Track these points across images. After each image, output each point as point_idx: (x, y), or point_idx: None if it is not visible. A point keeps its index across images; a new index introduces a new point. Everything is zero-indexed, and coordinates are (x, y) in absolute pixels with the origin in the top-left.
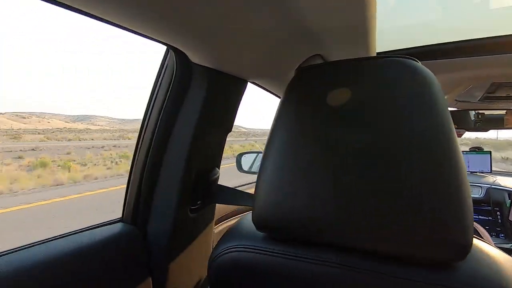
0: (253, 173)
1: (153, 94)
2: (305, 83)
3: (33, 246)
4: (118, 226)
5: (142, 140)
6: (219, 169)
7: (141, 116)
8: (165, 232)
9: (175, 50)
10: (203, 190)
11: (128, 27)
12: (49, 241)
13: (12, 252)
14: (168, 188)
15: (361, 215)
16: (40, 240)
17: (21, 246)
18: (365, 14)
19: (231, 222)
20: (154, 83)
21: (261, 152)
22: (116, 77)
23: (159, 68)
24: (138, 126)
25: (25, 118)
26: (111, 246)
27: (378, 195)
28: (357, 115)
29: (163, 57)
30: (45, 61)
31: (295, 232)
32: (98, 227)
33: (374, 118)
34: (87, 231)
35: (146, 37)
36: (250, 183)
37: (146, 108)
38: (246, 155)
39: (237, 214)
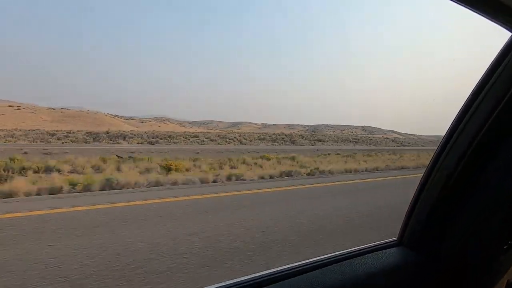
0: None
1: (477, 96)
2: None
3: (311, 270)
4: (396, 251)
5: (448, 152)
6: None
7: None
8: (464, 268)
9: None
10: None
11: None
12: (325, 265)
13: (293, 277)
14: (477, 217)
15: None
16: (313, 260)
17: (300, 266)
18: None
19: None
20: (481, 84)
21: None
22: None
23: (494, 64)
24: (274, 130)
25: (163, 122)
26: (391, 273)
27: None
28: None
29: (504, 50)
30: None
31: None
32: (372, 251)
33: None
34: (361, 256)
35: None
36: None
37: (462, 112)
38: None
39: None
